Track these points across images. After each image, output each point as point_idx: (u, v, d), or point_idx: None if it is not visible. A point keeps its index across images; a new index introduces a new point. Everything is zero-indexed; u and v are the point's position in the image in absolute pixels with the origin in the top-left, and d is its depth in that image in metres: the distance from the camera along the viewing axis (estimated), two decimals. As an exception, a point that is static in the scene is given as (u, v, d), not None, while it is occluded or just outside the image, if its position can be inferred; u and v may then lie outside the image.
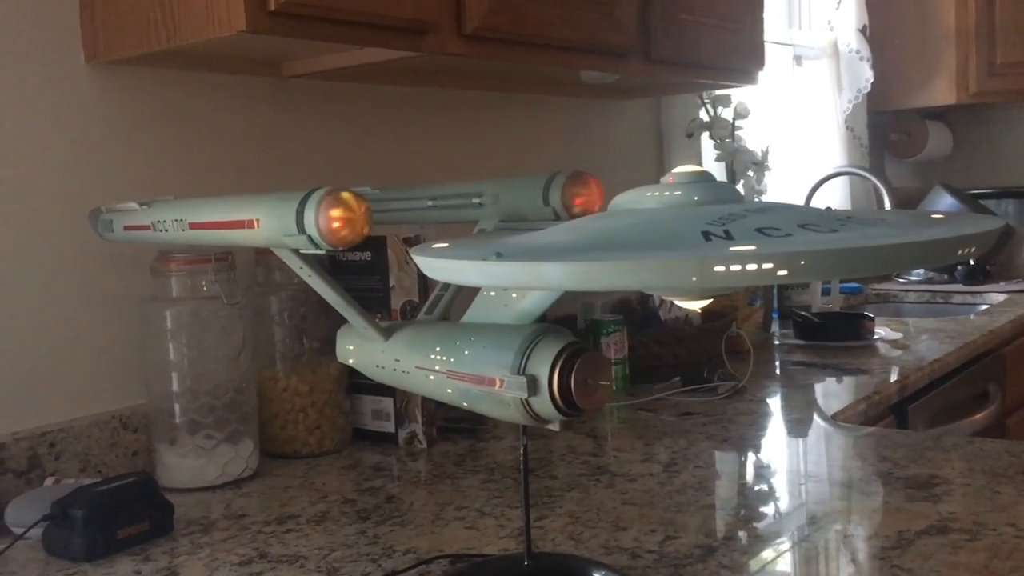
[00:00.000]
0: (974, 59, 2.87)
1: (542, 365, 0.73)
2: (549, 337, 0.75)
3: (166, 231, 0.90)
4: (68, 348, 1.21)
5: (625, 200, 0.67)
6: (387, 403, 1.34)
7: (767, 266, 0.49)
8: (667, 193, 0.64)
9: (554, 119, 1.97)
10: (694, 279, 0.50)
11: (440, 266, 0.59)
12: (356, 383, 1.35)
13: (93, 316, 1.24)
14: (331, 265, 1.38)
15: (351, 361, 0.91)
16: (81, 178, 1.22)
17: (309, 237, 0.75)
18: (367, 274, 1.36)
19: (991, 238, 0.55)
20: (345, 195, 0.74)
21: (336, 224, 0.74)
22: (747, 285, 0.51)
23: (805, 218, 0.59)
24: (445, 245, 0.66)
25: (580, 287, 0.51)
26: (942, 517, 0.97)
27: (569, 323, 1.82)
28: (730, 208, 0.61)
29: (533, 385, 0.73)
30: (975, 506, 0.99)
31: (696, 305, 0.66)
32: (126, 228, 0.98)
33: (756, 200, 2.18)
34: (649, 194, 0.65)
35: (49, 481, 1.13)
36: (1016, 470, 1.11)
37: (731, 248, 0.51)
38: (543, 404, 0.74)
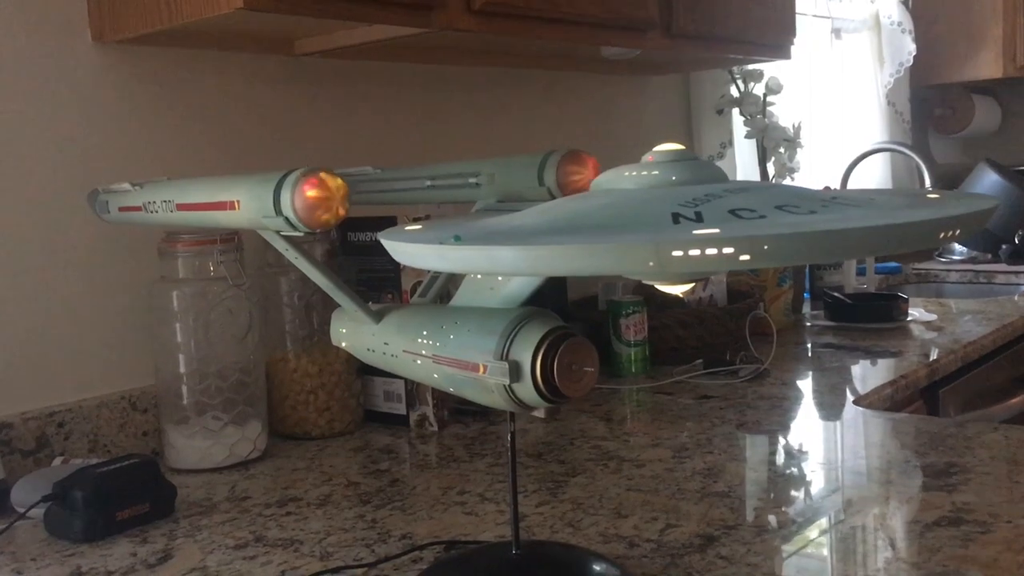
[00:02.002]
0: (1022, 30, 2.77)
1: (525, 350, 0.71)
2: (534, 322, 0.73)
3: (156, 212, 0.89)
4: (76, 328, 1.22)
5: (605, 180, 0.64)
6: (398, 385, 1.33)
7: (727, 250, 0.46)
8: (645, 173, 0.61)
9: (578, 96, 1.94)
10: (651, 264, 0.47)
11: (401, 249, 0.57)
12: (368, 364, 1.33)
13: (101, 296, 1.24)
14: (342, 246, 1.36)
15: (344, 344, 0.90)
16: (89, 159, 1.22)
17: (286, 218, 0.74)
18: (378, 255, 1.34)
19: (980, 219, 0.52)
20: (322, 176, 0.73)
21: (312, 205, 0.72)
22: (712, 269, 0.49)
23: (785, 199, 0.56)
24: (417, 227, 0.64)
25: (534, 272, 0.49)
26: (956, 507, 0.93)
27: (591, 304, 1.79)
28: (707, 188, 0.58)
29: (516, 371, 0.71)
30: (992, 496, 0.95)
31: (678, 289, 0.64)
32: (120, 209, 0.97)
33: (774, 179, 2.13)
34: (627, 174, 0.62)
35: (57, 461, 1.14)
36: (1041, 459, 1.07)
37: (692, 232, 0.48)
38: (526, 390, 0.72)
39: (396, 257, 0.59)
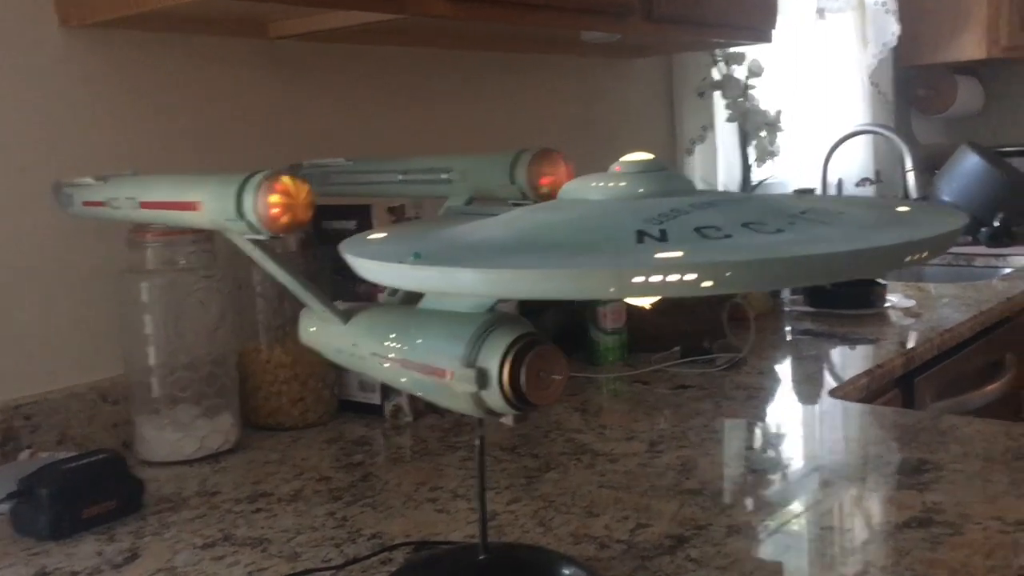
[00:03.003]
0: (1006, 11, 2.77)
1: (492, 357, 0.70)
2: (502, 327, 0.72)
3: (119, 208, 0.87)
4: (44, 319, 1.20)
5: (571, 189, 0.63)
6: (373, 375, 1.32)
7: (689, 277, 0.45)
8: (612, 184, 0.60)
9: (559, 79, 1.92)
10: (612, 290, 0.46)
11: (361, 265, 0.56)
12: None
13: (70, 286, 1.22)
14: (317, 235, 1.35)
15: (312, 343, 0.89)
16: (57, 146, 1.20)
17: (248, 223, 0.72)
18: (352, 244, 1.33)
19: (947, 241, 0.51)
20: (285, 180, 0.71)
21: (275, 211, 0.71)
22: (674, 294, 0.47)
23: (752, 215, 0.55)
24: (380, 236, 0.63)
25: (495, 294, 0.48)
26: (926, 508, 0.93)
27: (569, 290, 1.78)
28: (674, 202, 0.57)
29: (483, 378, 0.70)
30: (963, 495, 0.95)
31: (646, 301, 0.63)
32: (84, 203, 0.95)
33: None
34: (594, 184, 0.61)
35: (24, 454, 1.12)
36: (1013, 455, 1.07)
37: (655, 256, 0.47)
38: (494, 398, 0.71)
39: (357, 271, 0.58)
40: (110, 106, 1.25)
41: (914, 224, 0.54)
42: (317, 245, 1.34)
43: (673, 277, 0.45)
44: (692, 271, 0.45)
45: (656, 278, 0.45)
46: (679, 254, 0.47)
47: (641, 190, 0.59)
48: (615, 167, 0.62)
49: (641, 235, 0.52)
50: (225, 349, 1.21)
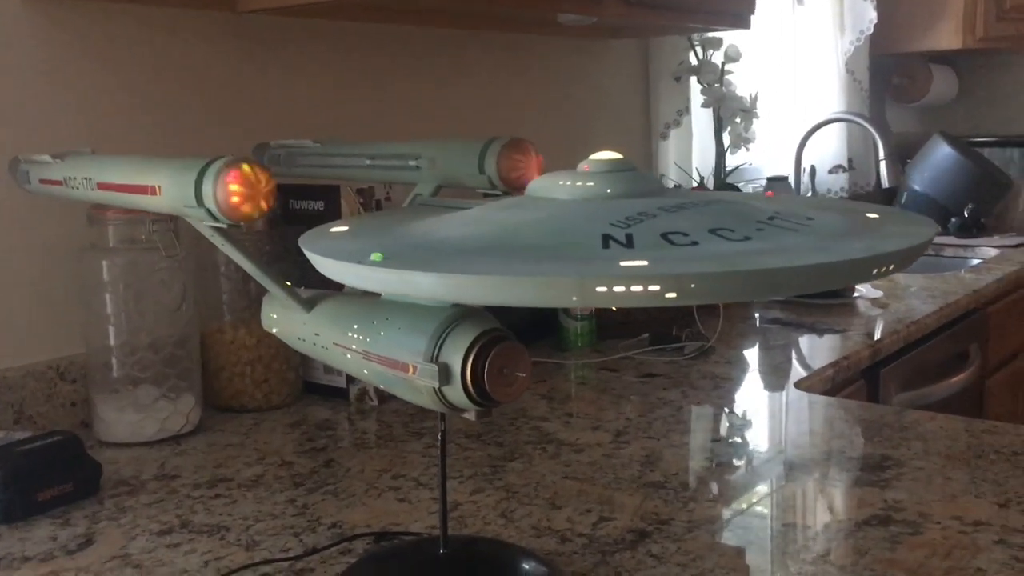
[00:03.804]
0: (982, 2, 2.77)
1: (455, 353, 0.69)
2: (466, 322, 0.70)
3: (77, 188, 0.85)
4: (1, 295, 1.17)
5: (539, 186, 0.62)
6: (338, 358, 1.31)
7: (653, 288, 0.44)
8: (579, 183, 0.59)
9: (535, 60, 1.90)
10: (574, 299, 0.45)
11: (321, 264, 0.55)
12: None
13: (27, 262, 1.19)
14: (284, 215, 1.33)
15: (275, 330, 0.87)
16: (15, 121, 1.17)
17: (208, 210, 0.70)
18: (320, 224, 1.30)
19: (916, 253, 0.51)
20: (246, 168, 0.69)
21: (235, 199, 0.69)
22: (637, 304, 0.47)
23: (720, 220, 0.54)
24: (342, 230, 0.61)
25: (455, 299, 0.47)
26: (887, 506, 0.93)
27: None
28: (642, 205, 0.56)
29: (445, 374, 0.69)
30: (924, 493, 0.96)
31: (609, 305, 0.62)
32: (41, 181, 0.93)
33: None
34: (562, 183, 0.60)
35: (-21, 434, 1.10)
36: (973, 453, 1.07)
37: (619, 264, 0.46)
38: (456, 393, 0.70)
39: (318, 268, 0.57)
40: (71, 80, 1.22)
41: (883, 234, 0.53)
42: (283, 225, 1.32)
43: (637, 288, 0.44)
44: (656, 282, 0.44)
45: (619, 288, 0.44)
46: (644, 263, 0.46)
47: (609, 191, 0.58)
48: (583, 166, 0.61)
49: (607, 239, 0.51)
50: (188, 329, 1.19)
